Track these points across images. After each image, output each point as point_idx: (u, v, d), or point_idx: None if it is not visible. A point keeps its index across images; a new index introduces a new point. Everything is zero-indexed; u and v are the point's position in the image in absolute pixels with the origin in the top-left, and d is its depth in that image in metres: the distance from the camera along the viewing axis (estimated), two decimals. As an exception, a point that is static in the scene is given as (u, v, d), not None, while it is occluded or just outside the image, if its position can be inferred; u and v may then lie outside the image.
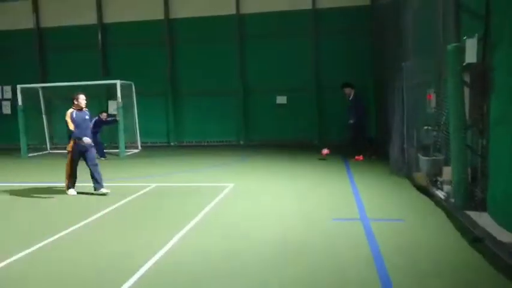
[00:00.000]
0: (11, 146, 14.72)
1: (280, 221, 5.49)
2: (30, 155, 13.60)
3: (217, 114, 14.94)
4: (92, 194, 7.42)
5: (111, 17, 15.30)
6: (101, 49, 15.42)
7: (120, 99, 12.78)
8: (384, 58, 11.71)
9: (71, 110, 7.41)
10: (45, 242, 4.90)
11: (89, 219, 5.84)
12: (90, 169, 7.40)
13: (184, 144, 15.15)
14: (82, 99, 7.48)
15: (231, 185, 7.83)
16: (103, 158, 12.01)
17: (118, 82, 12.81)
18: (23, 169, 11.40)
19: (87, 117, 7.57)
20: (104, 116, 12.55)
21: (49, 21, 15.65)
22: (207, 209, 6.19)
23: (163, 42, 15.09)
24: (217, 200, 6.75)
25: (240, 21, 14.65)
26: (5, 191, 7.87)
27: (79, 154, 7.45)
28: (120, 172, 10.05)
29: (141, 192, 7.59)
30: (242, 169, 9.89)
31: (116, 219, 5.93)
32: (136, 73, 14.70)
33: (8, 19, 15.76)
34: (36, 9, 15.65)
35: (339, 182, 7.91)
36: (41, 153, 14.27)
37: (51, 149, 14.96)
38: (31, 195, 7.59)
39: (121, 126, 12.78)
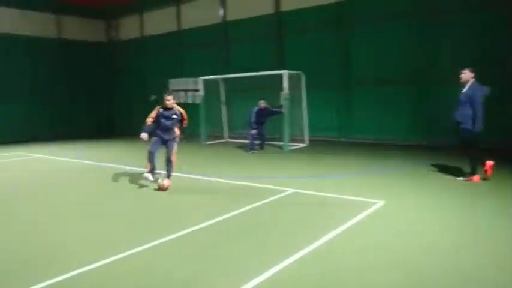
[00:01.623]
0: (191, 133, 16.05)
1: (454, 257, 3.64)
2: (209, 142, 14.45)
3: (394, 108, 12.76)
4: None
5: (288, 4, 14.78)
6: (277, 39, 15.13)
7: (286, 90, 12.14)
8: None
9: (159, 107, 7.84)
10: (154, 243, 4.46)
11: (211, 221, 5.22)
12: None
13: (355, 141, 13.51)
14: (166, 99, 7.75)
15: (380, 203, 6.07)
16: (253, 151, 11.89)
17: (285, 72, 12.17)
18: (200, 155, 12.06)
19: (174, 116, 7.72)
20: (262, 103, 12.23)
21: (232, 14, 16.25)
22: (326, 236, 4.74)
23: (341, 29, 13.70)
24: (351, 223, 5.18)
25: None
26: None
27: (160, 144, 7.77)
28: (269, 169, 9.35)
29: (274, 197, 6.61)
30: (408, 181, 7.80)
31: (232, 227, 5.12)
32: (310, 63, 13.88)
33: (198, 15, 17.15)
34: (223, 3, 16.48)
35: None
36: (218, 141, 15.02)
37: (229, 137, 15.64)
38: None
39: (286, 118, 12.17)
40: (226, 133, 15.85)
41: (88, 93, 19.55)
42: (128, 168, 9.65)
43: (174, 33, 18.17)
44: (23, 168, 10.62)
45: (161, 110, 7.84)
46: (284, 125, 12.21)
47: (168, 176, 7.77)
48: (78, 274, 3.87)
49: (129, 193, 7.34)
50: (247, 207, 6.06)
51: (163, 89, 18.07)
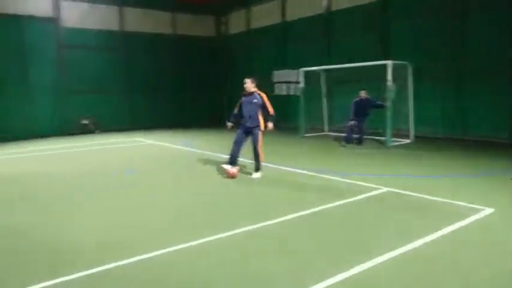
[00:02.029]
0: (290, 126, 16.08)
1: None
2: (307, 135, 14.37)
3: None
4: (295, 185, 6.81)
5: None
6: (382, 27, 14.27)
7: (390, 82, 11.44)
8: None
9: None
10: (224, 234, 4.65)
11: (294, 215, 5.23)
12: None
13: (466, 138, 12.14)
14: (244, 83, 7.79)
15: (488, 211, 5.38)
16: (345, 143, 11.63)
17: (389, 63, 11.46)
18: (295, 147, 12.10)
19: (255, 100, 7.66)
20: (362, 94, 11.73)
21: (337, 4, 15.77)
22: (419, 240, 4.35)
23: (456, 14, 12.37)
24: (446, 231, 4.69)
25: None
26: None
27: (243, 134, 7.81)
28: (365, 165, 8.93)
29: (365, 195, 6.31)
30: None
31: (314, 222, 5.04)
32: (417, 53, 12.85)
33: (303, 6, 17.01)
34: (328, -6, 16.12)
35: None
36: (317, 134, 14.85)
37: (329, 130, 15.35)
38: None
39: (390, 111, 11.48)
40: (326, 126, 15.57)
41: (200, 85, 20.83)
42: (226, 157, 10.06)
43: (278, 25, 18.35)
44: (134, 152, 11.80)
45: (243, 97, 7.79)
46: (387, 119, 11.54)
47: (257, 169, 7.82)
48: (154, 256, 4.18)
49: (221, 181, 7.65)
50: (334, 204, 5.89)
51: (268, 81, 18.64)
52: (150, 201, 6.37)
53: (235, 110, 7.96)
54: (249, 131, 7.73)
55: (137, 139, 14.95)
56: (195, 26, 21.00)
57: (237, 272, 3.79)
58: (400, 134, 12.52)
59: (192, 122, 19.71)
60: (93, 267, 3.84)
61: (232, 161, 7.77)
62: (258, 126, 7.68)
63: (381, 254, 4.01)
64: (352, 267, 3.75)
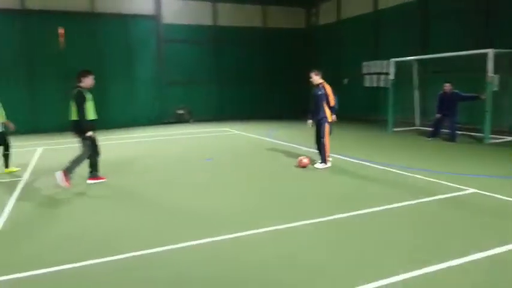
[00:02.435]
0: (381, 119, 15.43)
1: None
2: (396, 129, 13.72)
3: None
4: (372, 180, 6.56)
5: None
6: (483, 12, 12.91)
7: (491, 73, 10.39)
8: None
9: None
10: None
11: (366, 210, 5.16)
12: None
13: None
14: (310, 77, 7.83)
15: None
16: (430, 139, 11.17)
17: (490, 51, 10.38)
18: (380, 142, 11.68)
19: (320, 92, 7.73)
20: (446, 87, 10.89)
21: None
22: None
23: None
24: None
25: None
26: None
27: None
28: (453, 163, 8.29)
29: (446, 195, 5.91)
30: None
31: (387, 219, 4.90)
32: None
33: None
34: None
35: None
36: (407, 128, 14.08)
37: (420, 125, 14.46)
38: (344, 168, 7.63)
39: (489, 105, 10.46)
40: (418, 120, 14.67)
41: (288, 77, 20.98)
42: (305, 149, 10.09)
43: (369, 14, 17.64)
44: (221, 140, 12.39)
45: (314, 90, 7.90)
46: (486, 114, 10.52)
47: (323, 160, 7.82)
48: (226, 239, 4.43)
49: (295, 172, 7.73)
50: (410, 202, 5.63)
51: (358, 72, 18.12)
52: (234, 187, 6.71)
53: (312, 106, 8.04)
54: (317, 123, 7.91)
55: (225, 129, 15.64)
56: (285, 18, 21.14)
57: (293, 263, 3.87)
58: (505, 130, 11.34)
59: (279, 113, 19.98)
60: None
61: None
62: (325, 117, 7.79)
63: (448, 260, 3.77)
64: (412, 269, 3.60)
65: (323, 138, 7.77)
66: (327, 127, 7.80)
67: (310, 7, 21.53)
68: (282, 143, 11.51)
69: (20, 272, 3.71)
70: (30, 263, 3.91)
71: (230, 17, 19.83)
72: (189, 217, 5.25)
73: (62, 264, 3.84)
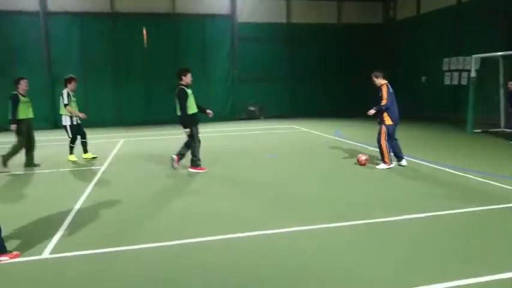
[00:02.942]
0: (460, 118, 14.40)
1: None
2: (477, 130, 12.75)
3: None
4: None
5: None
6: None
7: None
8: None
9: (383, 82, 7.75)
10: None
11: (427, 214, 5.00)
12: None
13: None
14: (373, 81, 7.82)
15: None
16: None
17: None
18: (456, 143, 11.00)
19: (380, 94, 7.64)
20: (511, 84, 10.18)
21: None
22: None
23: None
24: None
25: None
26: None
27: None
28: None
29: (496, 205, 5.46)
30: None
31: (448, 225, 4.69)
32: None
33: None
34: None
35: None
36: (490, 129, 13.00)
37: (505, 126, 13.26)
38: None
39: None
40: (502, 121, 13.47)
41: (361, 75, 20.38)
42: (371, 148, 9.83)
43: (451, 7, 16.52)
44: (283, 138, 12.49)
45: None
46: None
47: (383, 161, 7.79)
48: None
49: (357, 172, 7.60)
50: (475, 208, 5.29)
51: (437, 70, 17.08)
52: (295, 183, 6.84)
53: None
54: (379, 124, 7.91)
55: (294, 126, 15.73)
56: (361, 14, 20.56)
57: (334, 260, 3.89)
58: None
59: (351, 110, 19.52)
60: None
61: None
62: (382, 120, 7.73)
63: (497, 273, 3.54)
64: (466, 277, 3.44)
65: (379, 140, 7.76)
66: (383, 130, 7.71)
67: (388, 1, 20.70)
68: (348, 141, 11.33)
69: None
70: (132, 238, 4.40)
71: (304, 14, 19.79)
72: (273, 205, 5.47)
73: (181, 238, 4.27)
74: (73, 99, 8.93)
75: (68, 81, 8.91)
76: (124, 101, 18.10)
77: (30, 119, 8.40)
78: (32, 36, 16.84)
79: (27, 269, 3.81)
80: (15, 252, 4.02)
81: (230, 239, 4.42)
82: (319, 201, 5.83)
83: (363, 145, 10.44)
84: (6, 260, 3.89)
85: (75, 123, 8.89)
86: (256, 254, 4.03)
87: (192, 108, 7.58)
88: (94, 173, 7.93)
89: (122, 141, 12.69)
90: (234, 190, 6.58)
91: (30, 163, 8.56)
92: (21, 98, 8.22)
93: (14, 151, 8.26)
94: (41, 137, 13.81)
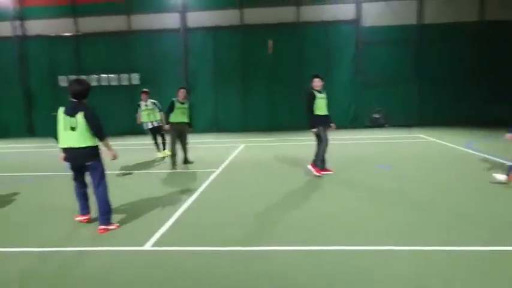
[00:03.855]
0: None
1: None
2: None
3: None
4: None
5: None
6: None
7: None
8: None
9: None
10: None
11: None
12: None
13: None
14: None
15: None
16: None
17: None
18: None
19: None
20: None
21: None
22: None
23: None
24: None
25: None
26: None
27: None
28: None
29: None
30: None
31: None
32: None
33: None
34: None
35: None
36: None
37: None
38: None
39: None
40: None
41: (507, 77, 17.86)
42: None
43: None
44: (406, 148, 11.55)
45: None
46: None
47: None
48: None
49: (491, 192, 6.64)
50: None
51: None
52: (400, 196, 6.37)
53: None
54: None
55: (420, 135, 14.53)
56: (509, 9, 17.96)
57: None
58: None
59: (494, 118, 17.14)
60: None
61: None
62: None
63: None
64: None
65: None
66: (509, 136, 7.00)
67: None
68: (484, 155, 9.91)
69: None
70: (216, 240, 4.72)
71: (438, 13, 18.15)
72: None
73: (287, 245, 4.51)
74: (143, 108, 10.95)
75: (140, 93, 11.19)
76: (249, 108, 19.10)
77: (181, 122, 9.63)
78: (173, 51, 19.00)
79: (128, 258, 4.28)
80: (117, 224, 5.28)
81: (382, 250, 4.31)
82: (467, 220, 5.27)
83: (506, 161, 9.07)
84: (114, 228, 5.18)
85: (150, 126, 10.97)
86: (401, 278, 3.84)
87: (320, 110, 8.01)
88: (208, 175, 8.52)
89: (242, 146, 13.37)
90: (361, 199, 6.37)
91: (185, 161, 9.96)
92: (177, 104, 9.57)
93: (171, 152, 9.57)
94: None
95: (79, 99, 4.98)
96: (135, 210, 5.96)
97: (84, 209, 5.43)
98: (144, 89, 11.33)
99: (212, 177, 8.33)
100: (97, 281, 3.80)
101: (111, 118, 18.63)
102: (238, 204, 6.26)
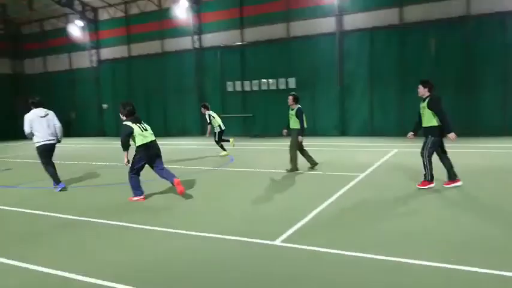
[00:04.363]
0: None
1: None
2: None
3: None
4: None
5: None
6: None
7: None
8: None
9: None
10: None
11: None
12: None
13: None
14: None
15: None
16: None
17: None
18: None
19: None
20: None
21: None
22: None
23: None
24: None
25: None
26: None
27: None
28: None
29: None
30: None
31: None
32: None
33: None
34: None
35: None
36: None
37: None
38: None
39: None
40: None
41: None
42: None
43: None
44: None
45: None
46: None
47: None
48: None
49: None
50: None
51: None
52: None
53: None
54: None
55: None
56: None
57: None
58: None
59: None
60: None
61: None
62: None
63: None
64: None
65: None
66: None
67: None
68: None
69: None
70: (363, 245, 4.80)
71: None
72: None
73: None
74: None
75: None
76: (407, 111, 17.92)
77: (288, 128, 9.66)
78: (328, 54, 19.21)
79: (257, 251, 4.61)
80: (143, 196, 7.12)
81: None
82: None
83: None
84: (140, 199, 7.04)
85: (218, 130, 13.06)
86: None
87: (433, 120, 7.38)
88: (351, 178, 8.43)
89: (394, 151, 12.73)
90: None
91: (311, 163, 9.81)
92: (289, 111, 9.67)
93: (291, 156, 9.60)
94: (327, 142, 15.65)
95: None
96: (275, 206, 6.36)
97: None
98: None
99: (354, 181, 8.22)
100: (221, 268, 4.21)
101: (271, 119, 20.13)
102: (377, 210, 6.07)
